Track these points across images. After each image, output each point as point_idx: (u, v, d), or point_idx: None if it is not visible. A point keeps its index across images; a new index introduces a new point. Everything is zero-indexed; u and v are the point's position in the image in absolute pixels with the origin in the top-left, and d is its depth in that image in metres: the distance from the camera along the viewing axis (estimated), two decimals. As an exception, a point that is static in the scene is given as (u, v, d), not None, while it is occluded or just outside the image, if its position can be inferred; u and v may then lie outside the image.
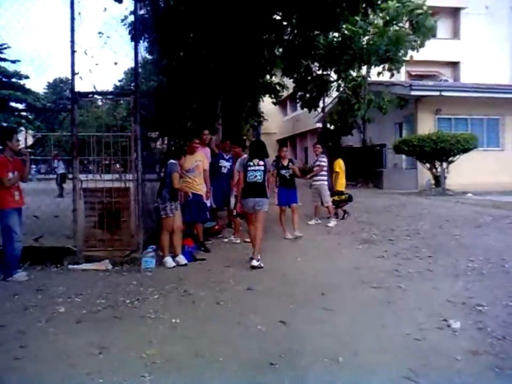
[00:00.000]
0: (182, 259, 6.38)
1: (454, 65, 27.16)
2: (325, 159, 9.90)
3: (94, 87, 6.91)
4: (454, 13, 26.78)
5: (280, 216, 8.44)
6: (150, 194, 7.58)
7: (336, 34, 16.99)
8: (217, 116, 10.65)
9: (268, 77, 17.56)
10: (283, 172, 8.41)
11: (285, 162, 8.45)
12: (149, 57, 10.31)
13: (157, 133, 9.89)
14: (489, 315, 4.13)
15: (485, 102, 17.48)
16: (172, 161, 6.49)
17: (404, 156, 17.94)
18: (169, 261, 6.30)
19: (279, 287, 5.22)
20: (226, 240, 8.18)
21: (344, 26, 16.05)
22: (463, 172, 15.66)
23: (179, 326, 4.03)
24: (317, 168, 9.77)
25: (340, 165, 10.37)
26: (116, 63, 7.40)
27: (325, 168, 9.81)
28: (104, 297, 4.83)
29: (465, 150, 14.94)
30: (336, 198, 10.14)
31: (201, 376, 3.09)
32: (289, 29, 12.50)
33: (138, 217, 6.46)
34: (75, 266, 6.14)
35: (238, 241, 7.99)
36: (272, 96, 20.38)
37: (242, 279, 5.55)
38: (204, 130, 8.28)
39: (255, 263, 6.09)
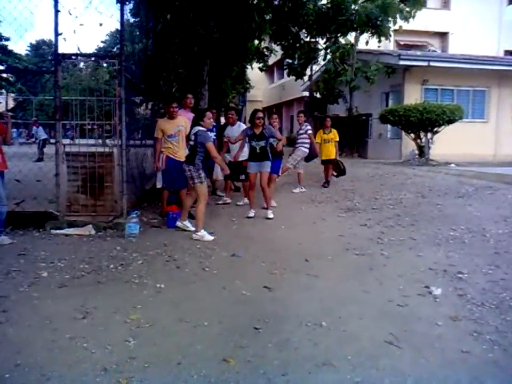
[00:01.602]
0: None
1: (443, 35, 26.97)
2: (309, 127, 9.96)
3: (78, 49, 6.70)
4: (445, -18, 26.48)
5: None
6: (134, 160, 7.50)
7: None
8: (203, 82, 10.44)
9: (256, 42, 17.25)
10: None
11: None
12: (135, 19, 10.02)
13: (141, 97, 9.71)
14: (470, 282, 4.21)
15: (472, 73, 17.51)
16: (201, 128, 6.13)
17: (389, 126, 17.98)
18: (207, 234, 5.97)
19: (264, 253, 5.24)
20: (220, 202, 8.59)
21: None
22: (447, 142, 15.76)
23: (163, 291, 4.03)
24: (309, 133, 9.84)
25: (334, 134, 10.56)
26: (101, 24, 7.15)
27: (306, 135, 9.85)
28: (87, 262, 4.79)
29: (451, 121, 14.98)
30: (335, 169, 10.54)
31: (185, 341, 3.10)
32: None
33: (122, 182, 6.38)
34: (58, 231, 6.07)
35: (229, 201, 8.64)
36: (260, 61, 20.04)
37: (227, 246, 5.56)
38: (187, 94, 8.13)
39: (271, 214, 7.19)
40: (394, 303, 3.75)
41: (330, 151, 10.46)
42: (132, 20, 10.17)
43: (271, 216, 7.14)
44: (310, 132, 9.85)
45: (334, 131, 10.57)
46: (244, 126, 8.53)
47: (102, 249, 5.34)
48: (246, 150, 7.90)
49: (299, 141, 9.90)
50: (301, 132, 9.91)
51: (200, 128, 6.12)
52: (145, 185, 8.11)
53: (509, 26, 27.12)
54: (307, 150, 9.83)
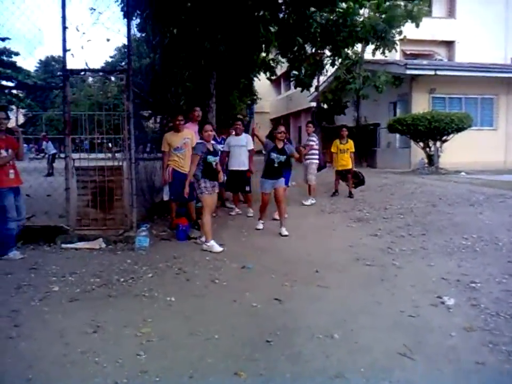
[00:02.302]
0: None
1: (449, 44, 26.94)
2: (315, 138, 9.99)
3: (86, 64, 6.79)
4: (450, -9, 26.54)
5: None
6: (143, 173, 7.54)
7: (332, 11, 16.73)
8: (210, 94, 10.51)
9: (263, 54, 17.36)
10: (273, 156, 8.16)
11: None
12: (142, 34, 10.13)
13: (150, 111, 9.78)
14: (483, 292, 4.15)
15: (479, 81, 17.43)
16: (200, 141, 6.26)
17: (397, 135, 17.92)
18: (215, 245, 5.98)
19: (274, 265, 5.22)
20: (233, 213, 8.65)
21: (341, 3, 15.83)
22: (457, 151, 15.67)
23: (174, 304, 4.03)
24: (308, 147, 9.82)
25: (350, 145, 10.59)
26: (108, 40, 7.28)
27: (316, 147, 9.86)
28: (98, 276, 4.81)
29: (459, 129, 14.91)
30: (353, 179, 10.57)
31: (197, 354, 3.09)
32: (283, 6, 12.30)
33: (132, 196, 6.41)
34: (68, 245, 6.10)
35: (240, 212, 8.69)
36: (267, 72, 20.12)
37: (237, 257, 5.55)
38: (195, 107, 8.20)
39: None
40: (406, 313, 3.71)
41: (347, 162, 10.45)
42: (138, 35, 10.29)
43: (285, 233, 6.88)
44: (312, 143, 9.90)
45: (350, 141, 10.57)
46: (249, 137, 8.63)
47: (112, 262, 5.36)
48: (244, 159, 8.30)
49: (309, 153, 9.88)
50: (309, 143, 9.92)
51: (200, 140, 6.24)
52: (155, 198, 8.14)
53: (515, 34, 27.15)
54: (317, 161, 9.89)
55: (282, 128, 7.22)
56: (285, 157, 7.09)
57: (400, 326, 3.50)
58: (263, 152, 7.85)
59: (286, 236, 6.81)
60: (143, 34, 10.31)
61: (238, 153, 8.51)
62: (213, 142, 6.48)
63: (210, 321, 3.62)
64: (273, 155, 7.04)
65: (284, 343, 3.23)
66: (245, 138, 8.57)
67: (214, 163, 6.17)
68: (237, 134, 8.61)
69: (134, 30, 7.78)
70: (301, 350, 3.12)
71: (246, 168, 8.48)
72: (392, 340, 3.26)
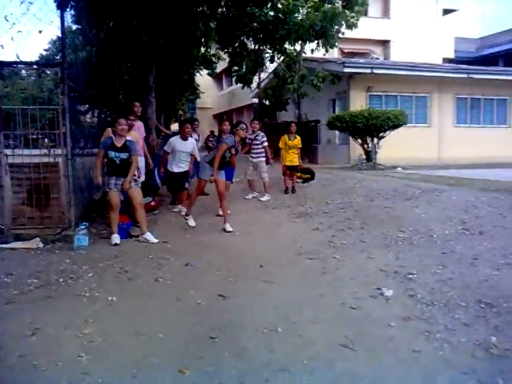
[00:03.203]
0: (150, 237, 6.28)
1: (385, 43, 27.94)
2: (265, 139, 9.97)
3: (17, 56, 6.48)
4: (385, -8, 27.50)
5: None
6: (81, 170, 7.30)
7: (271, 8, 16.87)
8: (149, 88, 10.31)
9: (202, 49, 17.26)
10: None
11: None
12: (77, 26, 9.79)
13: (88, 106, 9.48)
14: (419, 282, 4.34)
15: (414, 80, 18.18)
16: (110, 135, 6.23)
17: (337, 132, 18.34)
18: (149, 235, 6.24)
19: (218, 261, 5.22)
20: (176, 210, 8.46)
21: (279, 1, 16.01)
22: (393, 147, 16.25)
23: (116, 304, 3.94)
24: (265, 146, 9.86)
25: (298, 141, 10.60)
26: (40, 32, 6.95)
27: (265, 144, 9.88)
28: (36, 277, 4.63)
29: (395, 126, 15.47)
30: (303, 175, 10.56)
31: (140, 354, 3.04)
32: (223, 2, 12.27)
33: (69, 193, 6.20)
34: (3, 245, 5.83)
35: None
36: (208, 67, 20.05)
37: (180, 255, 5.50)
38: (134, 102, 8.03)
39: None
40: (347, 305, 3.82)
41: (295, 158, 10.51)
42: (74, 27, 9.92)
43: (230, 229, 6.88)
44: (266, 144, 9.86)
45: (298, 137, 10.60)
46: (195, 143, 8.46)
47: (51, 262, 5.17)
48: (187, 163, 8.11)
49: (257, 151, 9.85)
50: (257, 142, 9.86)
51: (111, 135, 6.27)
52: (94, 196, 7.91)
53: (446, 35, 28.53)
54: (265, 159, 9.91)
55: (244, 126, 7.34)
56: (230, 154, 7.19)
57: (341, 318, 3.60)
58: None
59: (230, 231, 6.82)
60: (79, 27, 9.98)
61: (181, 157, 8.15)
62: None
63: (154, 320, 3.58)
64: (227, 153, 7.12)
65: (229, 339, 3.24)
66: (191, 145, 8.22)
67: (117, 160, 6.09)
68: (185, 138, 8.16)
69: (69, 22, 7.50)
70: (245, 345, 3.14)
71: (186, 169, 8.30)
72: (334, 332, 3.35)
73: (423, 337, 3.24)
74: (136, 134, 7.32)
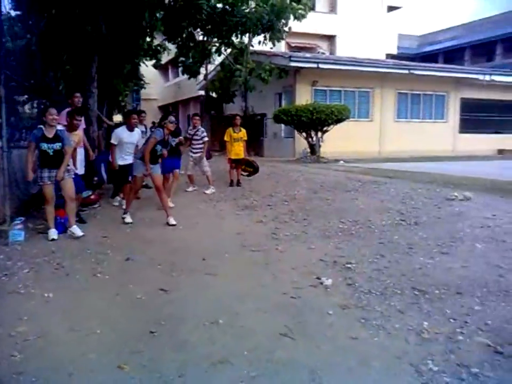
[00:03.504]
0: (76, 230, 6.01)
1: (331, 38, 28.42)
2: (205, 133, 9.97)
3: None
4: (331, -13, 27.93)
5: (163, 184, 8.35)
6: (17, 162, 6.98)
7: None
8: (92, 79, 10.00)
9: (148, 39, 16.90)
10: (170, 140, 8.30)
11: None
12: (17, 13, 9.33)
13: (26, 96, 9.11)
14: (357, 271, 4.47)
15: (357, 75, 18.64)
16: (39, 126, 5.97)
17: (282, 125, 18.53)
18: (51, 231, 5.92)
19: (160, 255, 5.15)
20: (116, 204, 8.34)
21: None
22: (336, 141, 16.63)
23: (52, 301, 3.82)
24: (205, 141, 9.85)
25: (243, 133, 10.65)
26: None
27: (206, 139, 9.88)
28: (-34, 274, 4.41)
29: (339, 121, 15.83)
30: (247, 168, 10.59)
31: (77, 351, 2.96)
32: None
33: (4, 187, 5.92)
34: None
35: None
36: (153, 59, 19.62)
37: (120, 249, 5.38)
38: (75, 93, 7.77)
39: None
40: (288, 295, 3.88)
41: (240, 150, 10.52)
42: (13, 14, 9.46)
43: (173, 222, 6.77)
44: (206, 139, 9.87)
45: (243, 130, 10.63)
46: (140, 132, 8.27)
47: (-17, 259, 4.92)
48: (132, 155, 7.76)
49: (197, 146, 9.82)
50: (197, 137, 9.82)
51: (40, 126, 5.97)
52: (31, 190, 7.60)
53: (390, 31, 29.38)
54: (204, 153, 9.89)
55: (173, 119, 7.21)
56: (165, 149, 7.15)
57: (282, 307, 3.65)
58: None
59: (173, 225, 6.74)
60: (19, 13, 9.52)
61: (127, 149, 7.88)
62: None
63: (92, 316, 3.49)
64: (158, 146, 7.00)
65: (169, 333, 3.22)
66: (138, 135, 7.96)
67: (50, 151, 5.85)
68: (131, 129, 7.84)
69: (5, 8, 7.12)
70: (186, 339, 3.13)
71: (131, 161, 8.11)
72: (274, 321, 3.39)
73: (360, 324, 3.34)
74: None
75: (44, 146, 5.77)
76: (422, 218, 6.54)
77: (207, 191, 9.64)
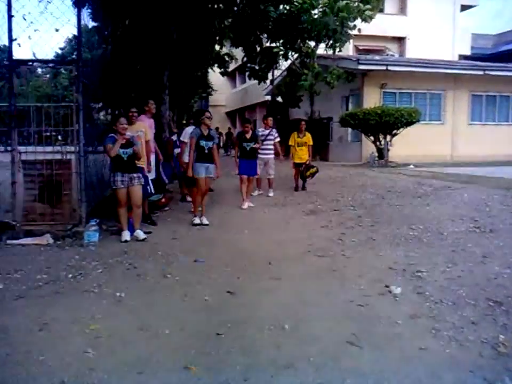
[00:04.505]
0: (140, 234, 6.24)
1: (400, 40, 27.67)
2: (277, 134, 10.15)
3: (34, 55, 6.56)
4: (401, -11, 27.22)
5: (240, 186, 8.77)
6: (93, 167, 7.35)
7: (286, 7, 16.82)
8: (164, 86, 10.36)
9: (217, 47, 17.29)
10: (244, 144, 8.79)
11: (248, 136, 8.86)
12: (93, 24, 9.84)
13: (101, 103, 9.54)
14: (428, 280, 4.31)
15: (428, 77, 18.00)
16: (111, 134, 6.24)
17: (349, 129, 18.28)
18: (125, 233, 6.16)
19: (227, 258, 5.23)
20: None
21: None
22: (406, 144, 16.15)
23: (123, 300, 3.96)
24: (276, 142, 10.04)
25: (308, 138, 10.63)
26: (57, 30, 7.01)
27: (277, 140, 10.04)
28: (45, 273, 4.66)
29: (409, 123, 15.37)
30: (311, 171, 10.53)
31: (147, 350, 3.05)
32: (238, 0, 12.30)
33: (81, 190, 6.26)
34: (14, 241, 5.88)
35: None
36: (221, 66, 20.05)
37: (189, 251, 5.51)
38: (149, 100, 8.06)
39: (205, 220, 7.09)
40: (355, 303, 3.80)
41: (304, 155, 10.53)
42: (90, 25, 9.98)
43: (204, 222, 7.07)
44: (278, 139, 10.09)
45: (308, 135, 10.64)
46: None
47: (60, 258, 5.21)
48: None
49: (268, 147, 9.92)
50: (270, 138, 9.95)
51: (111, 134, 6.23)
52: (105, 192, 7.96)
53: (462, 32, 28.17)
54: (273, 156, 10.04)
55: (208, 114, 7.27)
56: (212, 142, 7.17)
57: (349, 315, 3.58)
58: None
59: (207, 224, 7.02)
60: (96, 25, 10.03)
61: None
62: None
63: (161, 316, 3.59)
64: (202, 142, 7.09)
65: (235, 335, 3.24)
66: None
67: (125, 156, 6.11)
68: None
69: (85, 20, 7.53)
70: (252, 342, 3.14)
71: None
72: (341, 329, 3.33)
73: (430, 335, 3.21)
74: (145, 124, 7.29)
75: (119, 151, 6.04)
76: (498, 226, 6.19)
77: (270, 194, 9.83)
